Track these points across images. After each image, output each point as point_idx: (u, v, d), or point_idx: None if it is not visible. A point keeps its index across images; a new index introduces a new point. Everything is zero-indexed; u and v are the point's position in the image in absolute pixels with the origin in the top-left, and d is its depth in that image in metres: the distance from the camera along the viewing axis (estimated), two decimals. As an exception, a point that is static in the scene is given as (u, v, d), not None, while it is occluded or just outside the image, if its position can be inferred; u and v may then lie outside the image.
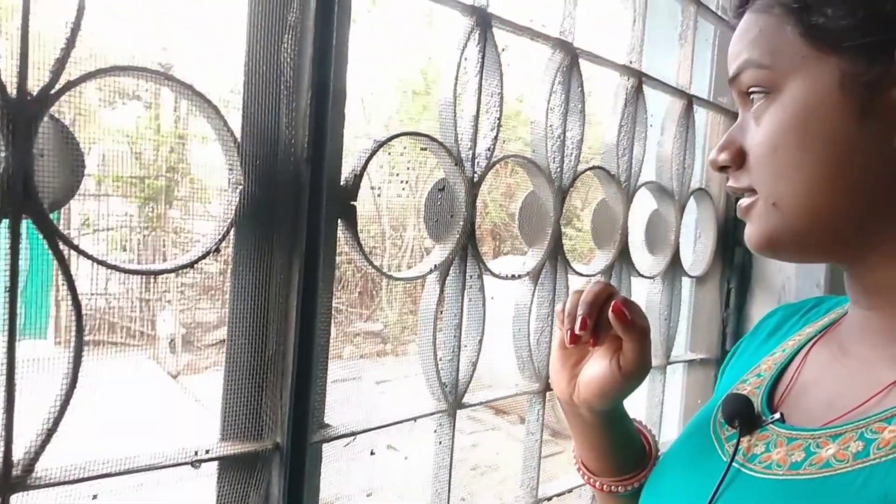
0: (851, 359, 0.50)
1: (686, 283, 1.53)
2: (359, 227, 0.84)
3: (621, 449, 0.65)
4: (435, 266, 0.93)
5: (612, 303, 0.54)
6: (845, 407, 0.46)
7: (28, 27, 0.54)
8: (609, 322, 0.55)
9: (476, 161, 0.97)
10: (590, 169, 1.19)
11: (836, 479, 0.42)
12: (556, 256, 1.14)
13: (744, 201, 0.50)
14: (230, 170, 0.72)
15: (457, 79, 0.93)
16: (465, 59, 0.95)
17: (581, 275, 1.21)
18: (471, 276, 0.99)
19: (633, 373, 0.56)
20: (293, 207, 0.75)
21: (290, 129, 0.74)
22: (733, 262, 1.63)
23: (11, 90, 0.55)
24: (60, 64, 0.57)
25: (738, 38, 0.50)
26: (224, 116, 0.70)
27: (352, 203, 0.83)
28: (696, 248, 1.57)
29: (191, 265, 0.69)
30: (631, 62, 1.25)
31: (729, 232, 1.60)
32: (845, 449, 0.43)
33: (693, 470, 0.55)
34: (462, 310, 0.98)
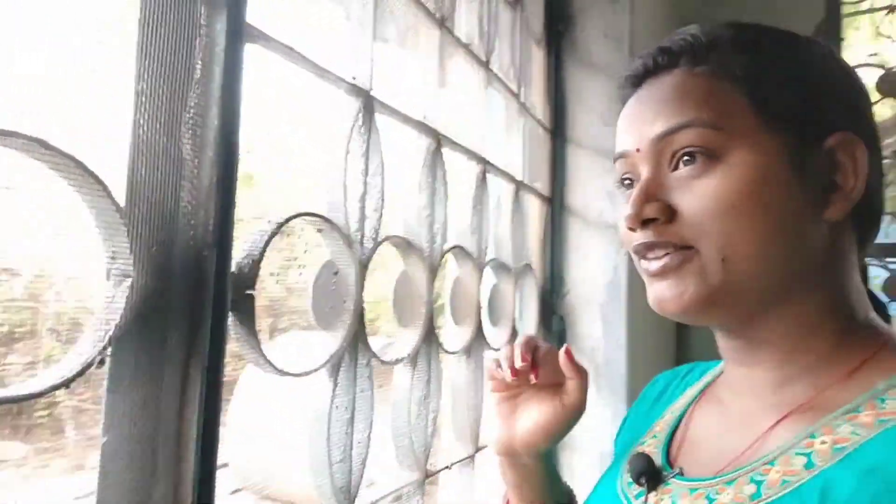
0: (734, 411, 0.55)
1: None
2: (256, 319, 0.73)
3: (557, 496, 0.68)
4: (330, 356, 0.85)
5: (564, 346, 0.61)
6: (734, 454, 0.50)
7: None
8: (544, 361, 0.61)
9: (364, 242, 0.93)
10: (453, 248, 1.22)
11: None
12: (431, 337, 1.12)
13: (672, 258, 0.50)
14: (112, 259, 0.58)
15: (346, 159, 0.89)
16: (352, 139, 0.92)
17: (449, 352, 1.21)
18: (361, 365, 0.92)
19: (577, 406, 0.61)
20: (193, 301, 0.62)
21: (190, 208, 0.63)
22: (551, 329, 1.79)
23: None
24: None
25: (676, 96, 0.50)
26: (111, 194, 0.56)
27: (248, 292, 0.72)
28: (524, 318, 1.69)
29: (66, 384, 0.52)
30: (478, 150, 1.33)
31: (547, 302, 1.76)
32: (740, 492, 0.47)
33: None
34: (354, 403, 0.90)
